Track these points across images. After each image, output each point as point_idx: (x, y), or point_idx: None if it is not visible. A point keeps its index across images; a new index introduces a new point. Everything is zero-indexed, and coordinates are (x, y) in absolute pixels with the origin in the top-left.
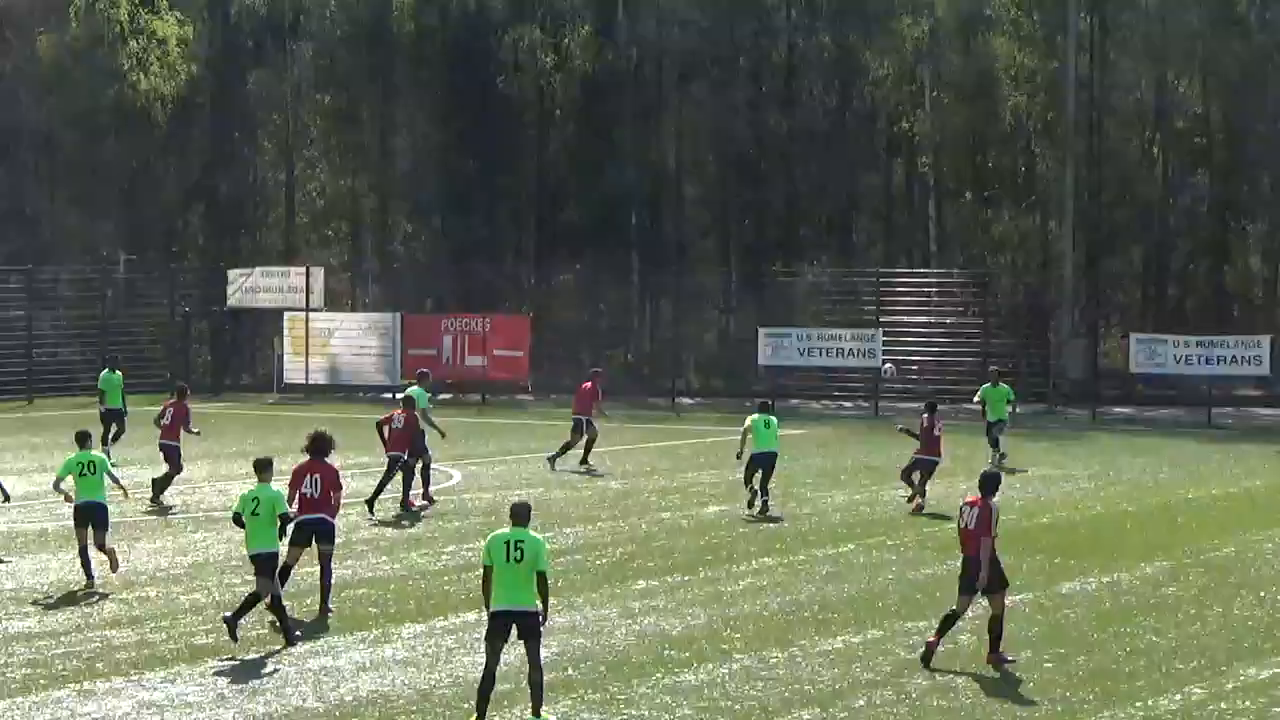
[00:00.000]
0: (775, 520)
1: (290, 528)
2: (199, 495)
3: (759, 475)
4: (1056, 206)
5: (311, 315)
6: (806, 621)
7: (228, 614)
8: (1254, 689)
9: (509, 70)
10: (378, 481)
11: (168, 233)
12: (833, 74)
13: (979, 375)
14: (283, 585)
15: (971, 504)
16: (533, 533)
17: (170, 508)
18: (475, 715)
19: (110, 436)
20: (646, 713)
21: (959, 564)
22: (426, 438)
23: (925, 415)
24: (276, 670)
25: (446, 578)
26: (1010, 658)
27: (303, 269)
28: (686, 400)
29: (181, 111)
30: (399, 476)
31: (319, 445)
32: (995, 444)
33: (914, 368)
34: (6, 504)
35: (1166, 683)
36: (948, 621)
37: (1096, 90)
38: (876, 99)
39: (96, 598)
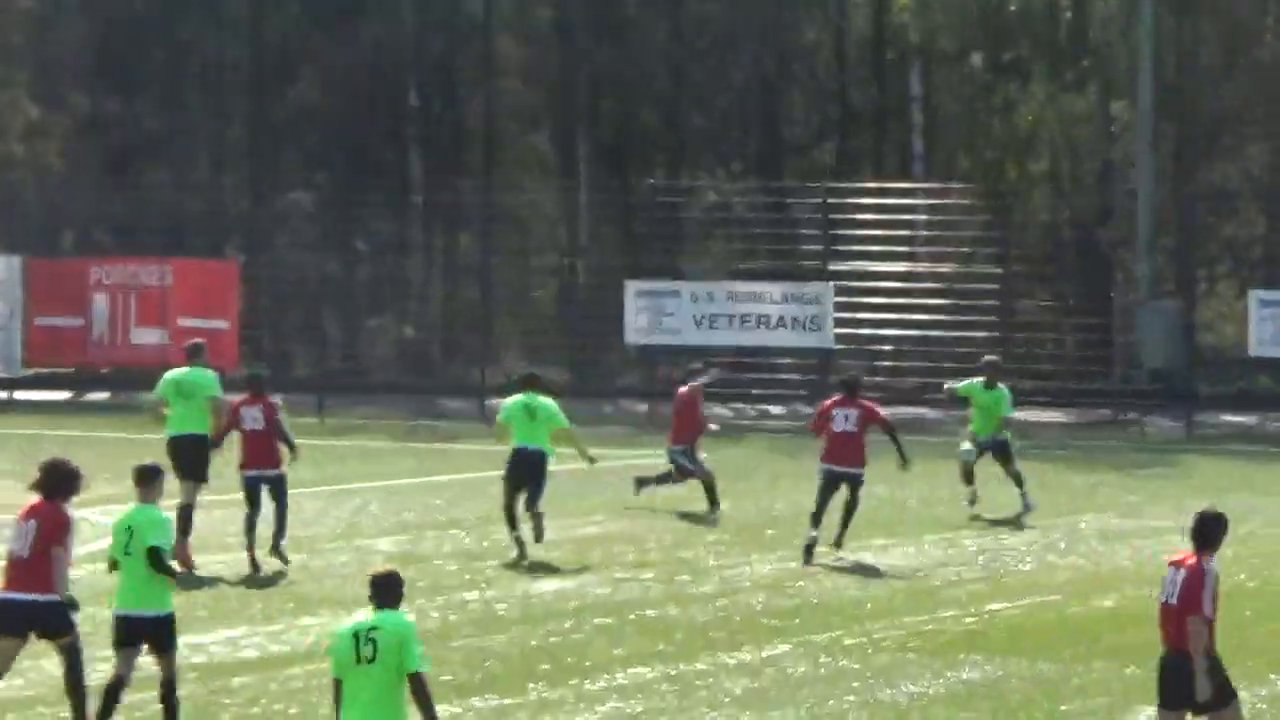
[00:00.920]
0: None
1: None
2: None
3: (523, 495)
4: (1125, 78)
5: None
6: None
7: None
8: None
9: None
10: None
11: None
12: None
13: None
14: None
15: (1178, 564)
16: (398, 614)
17: None
18: None
19: None
20: None
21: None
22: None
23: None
24: None
25: None
26: None
27: None
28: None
29: None
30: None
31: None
32: (1018, 480)
33: (885, 346)
34: None
35: None
36: None
37: None
38: None
39: None
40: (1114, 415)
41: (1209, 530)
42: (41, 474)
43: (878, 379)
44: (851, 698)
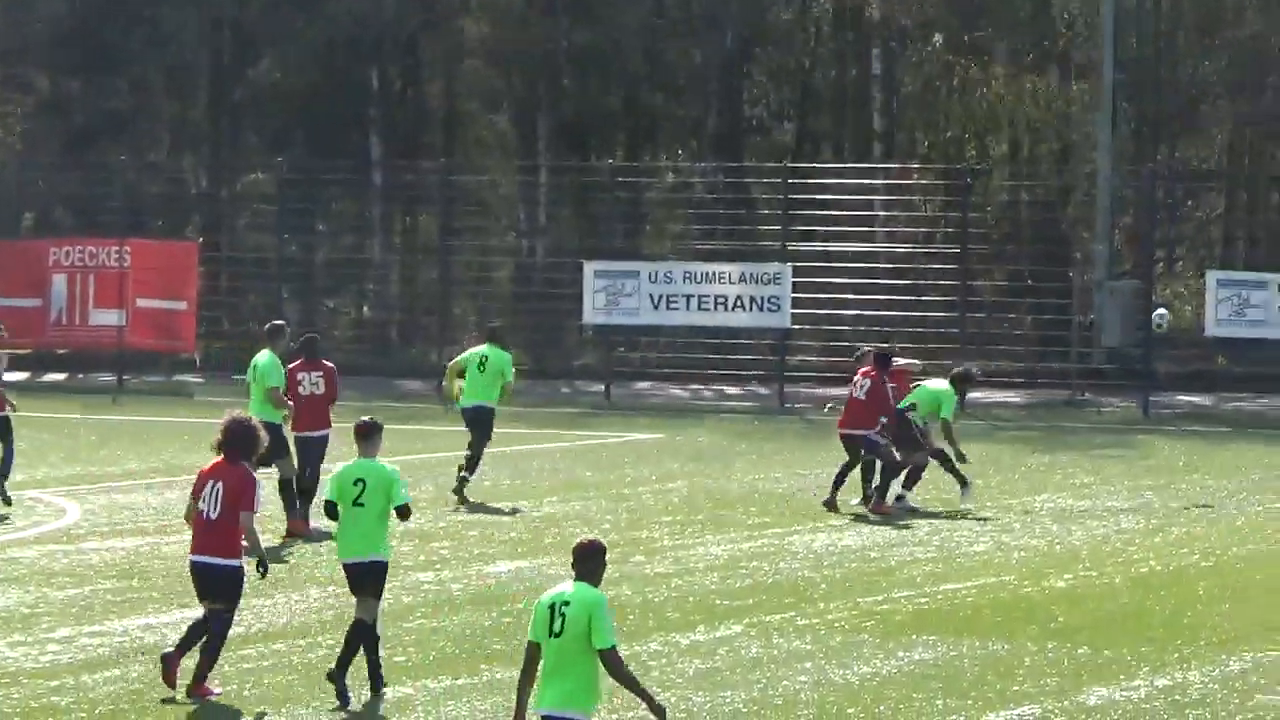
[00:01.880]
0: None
1: None
2: None
3: (468, 448)
4: (1086, 59)
5: None
6: None
7: None
8: None
9: None
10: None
11: None
12: None
13: (950, 334)
14: None
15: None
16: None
17: None
18: None
19: None
20: None
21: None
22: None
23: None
24: None
25: None
26: None
27: None
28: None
29: None
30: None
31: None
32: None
33: (843, 327)
34: None
35: None
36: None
37: None
38: None
39: None
40: (1071, 395)
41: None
42: (223, 434)
43: (835, 359)
44: (804, 678)
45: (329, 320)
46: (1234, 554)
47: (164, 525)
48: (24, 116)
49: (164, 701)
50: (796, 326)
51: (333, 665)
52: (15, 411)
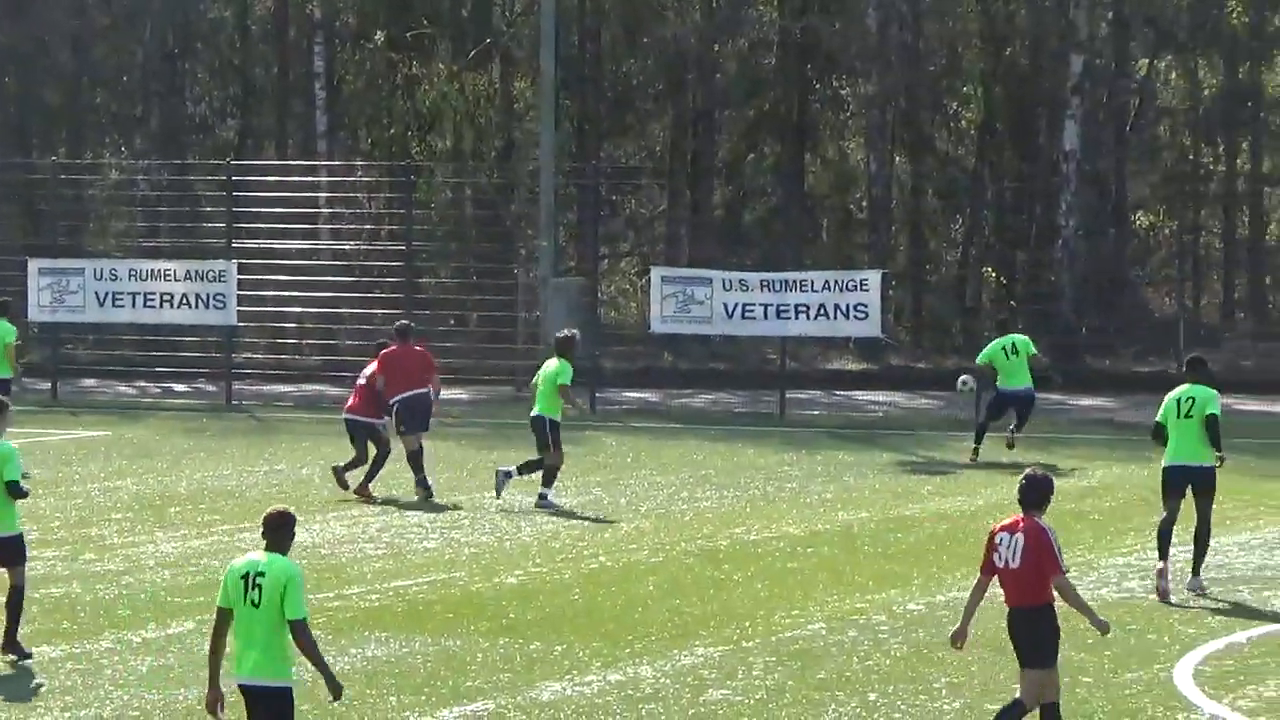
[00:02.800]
0: None
1: None
2: None
3: None
4: (528, 56)
5: None
6: None
7: None
8: None
9: None
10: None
11: None
12: None
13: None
14: None
15: (1010, 528)
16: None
17: None
18: None
19: None
20: None
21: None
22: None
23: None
24: None
25: None
26: None
27: None
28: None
29: None
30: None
31: None
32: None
33: (289, 324)
34: None
35: None
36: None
37: None
38: None
39: None
40: (517, 392)
41: (1037, 491)
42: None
43: (282, 356)
44: None
45: None
46: (682, 549)
47: None
48: None
49: None
50: (243, 324)
51: None
52: None
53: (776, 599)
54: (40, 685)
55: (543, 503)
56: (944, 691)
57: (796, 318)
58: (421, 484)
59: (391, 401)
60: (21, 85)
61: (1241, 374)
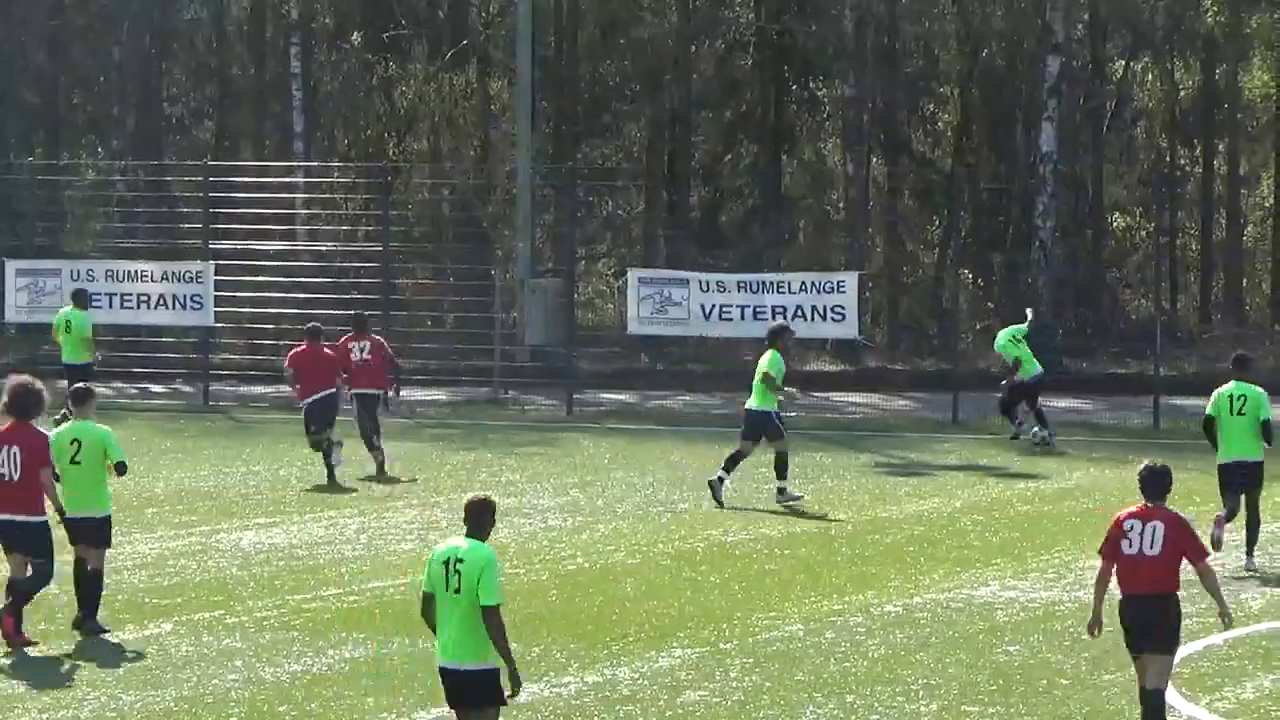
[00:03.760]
0: None
1: None
2: None
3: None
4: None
5: None
6: None
7: None
8: None
9: None
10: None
11: None
12: None
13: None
14: None
15: (1141, 515)
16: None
17: None
18: None
19: None
20: None
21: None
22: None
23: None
24: None
25: None
26: None
27: None
28: None
29: None
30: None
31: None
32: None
33: (267, 325)
34: None
35: None
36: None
37: None
38: None
39: None
40: (495, 393)
41: (1159, 482)
42: (9, 397)
43: (259, 357)
44: (235, 676)
45: None
46: (659, 550)
47: None
48: None
49: None
50: (220, 325)
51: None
52: None
53: (754, 601)
54: (17, 687)
55: (781, 496)
56: (921, 693)
57: (774, 319)
58: (330, 475)
59: (300, 404)
60: None
61: (1218, 376)
